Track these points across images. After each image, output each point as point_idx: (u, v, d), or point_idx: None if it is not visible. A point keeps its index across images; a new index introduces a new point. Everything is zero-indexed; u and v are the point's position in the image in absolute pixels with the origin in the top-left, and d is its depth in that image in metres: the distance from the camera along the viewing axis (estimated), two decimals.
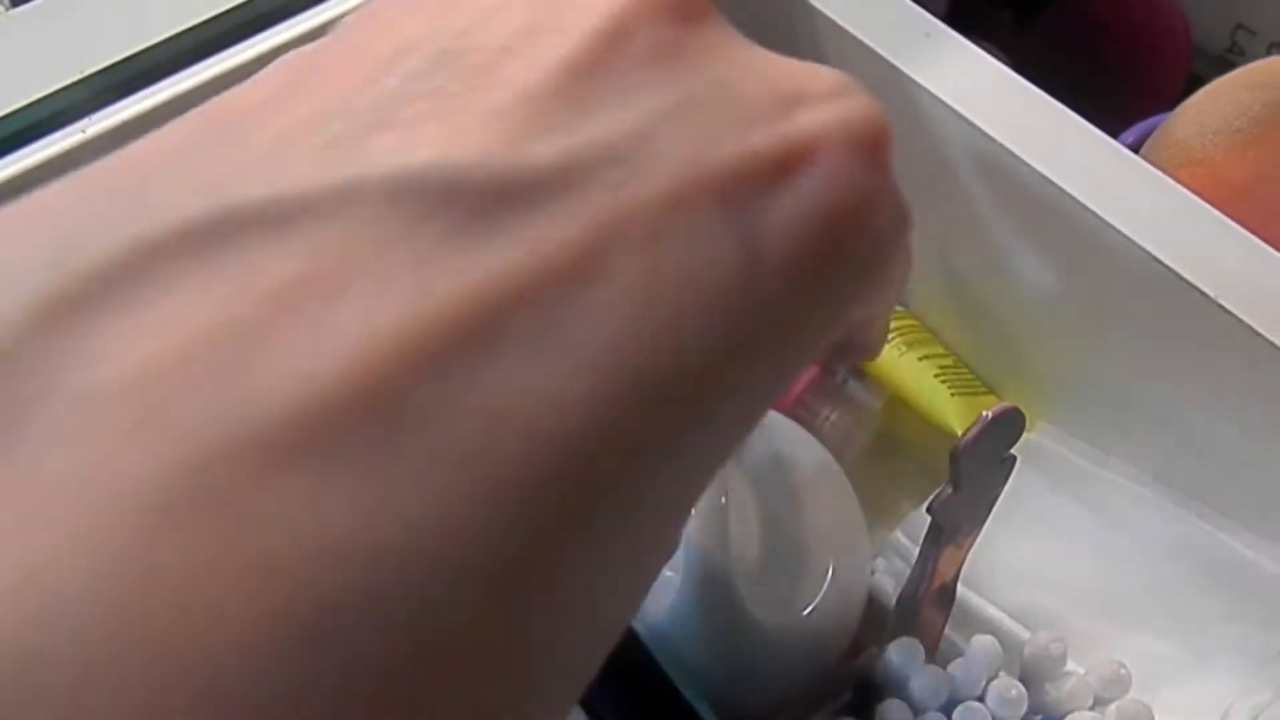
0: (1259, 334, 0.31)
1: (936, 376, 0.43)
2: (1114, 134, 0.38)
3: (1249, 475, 0.34)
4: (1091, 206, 0.34)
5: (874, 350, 0.22)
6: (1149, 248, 0.33)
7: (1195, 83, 0.41)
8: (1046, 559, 0.35)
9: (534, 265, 0.13)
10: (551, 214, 0.13)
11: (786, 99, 0.15)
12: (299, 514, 0.11)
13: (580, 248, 0.13)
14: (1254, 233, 0.35)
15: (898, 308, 0.46)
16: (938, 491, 0.30)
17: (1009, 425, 0.30)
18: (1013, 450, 0.30)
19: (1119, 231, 0.33)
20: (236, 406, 0.11)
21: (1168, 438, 0.36)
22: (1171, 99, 0.41)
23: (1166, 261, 0.32)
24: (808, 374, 0.46)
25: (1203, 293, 0.32)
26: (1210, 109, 0.37)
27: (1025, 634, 0.32)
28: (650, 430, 0.13)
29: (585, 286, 0.13)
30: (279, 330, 0.12)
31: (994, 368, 0.45)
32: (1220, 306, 0.31)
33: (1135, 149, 0.40)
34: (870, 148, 0.15)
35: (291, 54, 0.16)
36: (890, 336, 0.44)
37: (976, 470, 0.30)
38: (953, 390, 0.42)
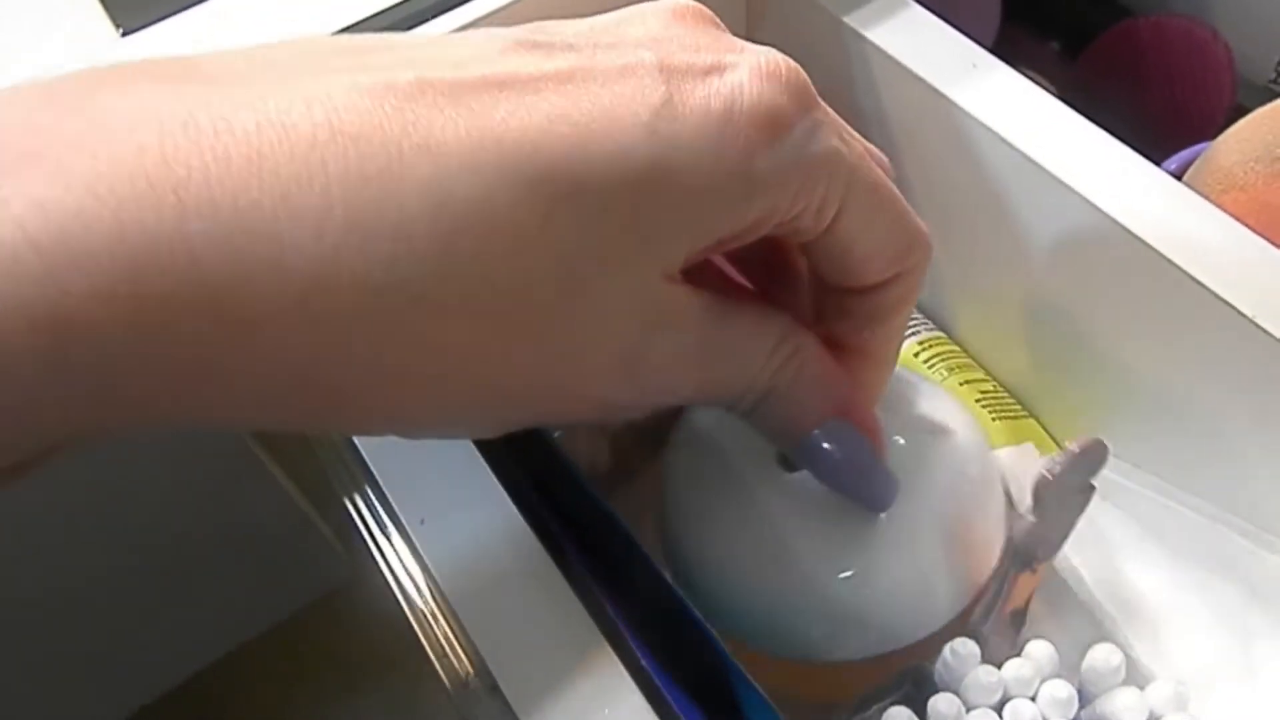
0: None
1: (978, 401, 0.43)
2: (1156, 163, 0.38)
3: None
4: (1136, 231, 0.34)
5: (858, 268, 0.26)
6: (1193, 272, 0.33)
7: (1239, 113, 0.41)
8: (1097, 574, 0.35)
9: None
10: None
11: (730, 47, 0.22)
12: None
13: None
14: None
15: (939, 333, 0.47)
16: (1019, 519, 0.30)
17: (1094, 456, 0.30)
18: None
19: (1164, 257, 0.34)
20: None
21: (1211, 457, 0.37)
22: (1215, 129, 0.41)
23: (1209, 285, 0.33)
24: None
25: (1243, 314, 0.32)
26: (1252, 136, 0.38)
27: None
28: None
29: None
30: None
31: (1037, 392, 0.45)
32: (1261, 329, 0.32)
33: (1178, 177, 0.40)
34: (771, 76, 0.21)
35: None
36: (932, 361, 0.45)
37: (1059, 501, 0.30)
38: (994, 415, 0.43)
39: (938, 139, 0.40)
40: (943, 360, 0.45)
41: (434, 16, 0.37)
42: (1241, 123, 0.39)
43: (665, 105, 0.20)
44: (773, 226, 0.23)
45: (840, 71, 0.43)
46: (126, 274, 0.16)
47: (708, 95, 0.21)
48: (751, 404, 0.25)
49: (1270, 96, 0.49)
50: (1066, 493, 0.30)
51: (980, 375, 0.45)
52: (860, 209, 0.24)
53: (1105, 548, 0.36)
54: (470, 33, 0.22)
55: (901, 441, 0.30)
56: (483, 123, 0.19)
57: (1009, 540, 0.32)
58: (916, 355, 0.45)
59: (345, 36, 0.21)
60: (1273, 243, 0.36)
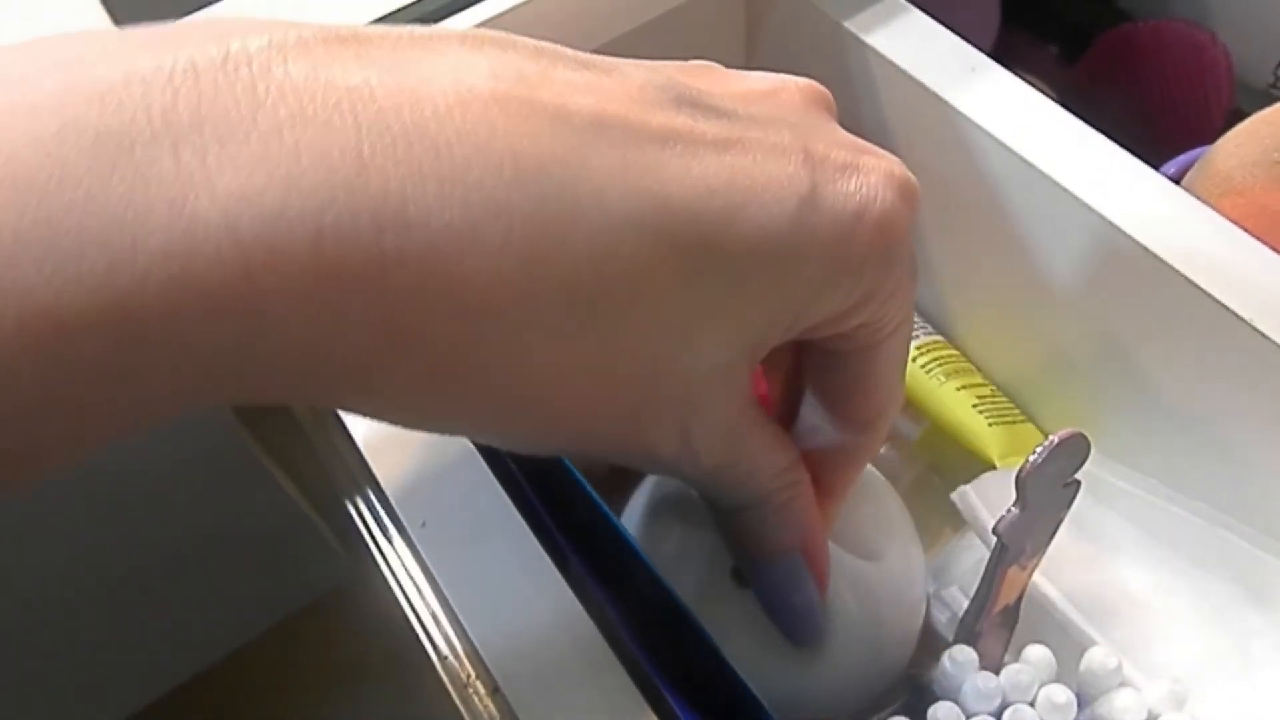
0: None
1: (974, 406, 0.43)
2: (1155, 167, 0.39)
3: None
4: (1134, 235, 0.34)
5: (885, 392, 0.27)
6: (1191, 276, 0.33)
7: (1237, 117, 0.42)
8: (1093, 574, 0.35)
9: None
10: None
11: (862, 148, 0.24)
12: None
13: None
14: None
15: (938, 337, 0.47)
16: (1004, 513, 0.30)
17: (1074, 450, 0.30)
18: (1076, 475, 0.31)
19: (1163, 261, 0.34)
20: None
21: (1210, 459, 0.37)
22: (1214, 133, 0.42)
23: (1207, 288, 0.33)
24: None
25: (1241, 318, 0.32)
26: (1250, 140, 0.38)
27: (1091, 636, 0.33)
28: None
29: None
30: None
31: (1035, 395, 0.45)
32: (1259, 332, 0.32)
33: (1176, 181, 0.40)
34: (900, 189, 0.23)
35: None
36: (930, 366, 0.45)
37: (1041, 493, 0.30)
38: (990, 420, 0.43)
39: (937, 143, 0.40)
40: (940, 365, 0.45)
41: (445, 17, 0.37)
42: (1240, 127, 0.40)
43: (810, 194, 0.22)
44: (846, 326, 0.24)
45: (840, 76, 0.43)
46: (319, 280, 0.17)
47: (846, 194, 0.22)
48: (732, 507, 0.27)
49: (1269, 100, 0.49)
50: (1049, 486, 0.30)
51: (978, 379, 0.45)
52: (902, 338, 0.26)
53: (1103, 549, 0.37)
54: (633, 65, 0.22)
55: (844, 565, 0.32)
56: (651, 180, 0.20)
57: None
58: (915, 360, 0.45)
59: (489, 34, 0.21)
60: (1272, 247, 0.36)
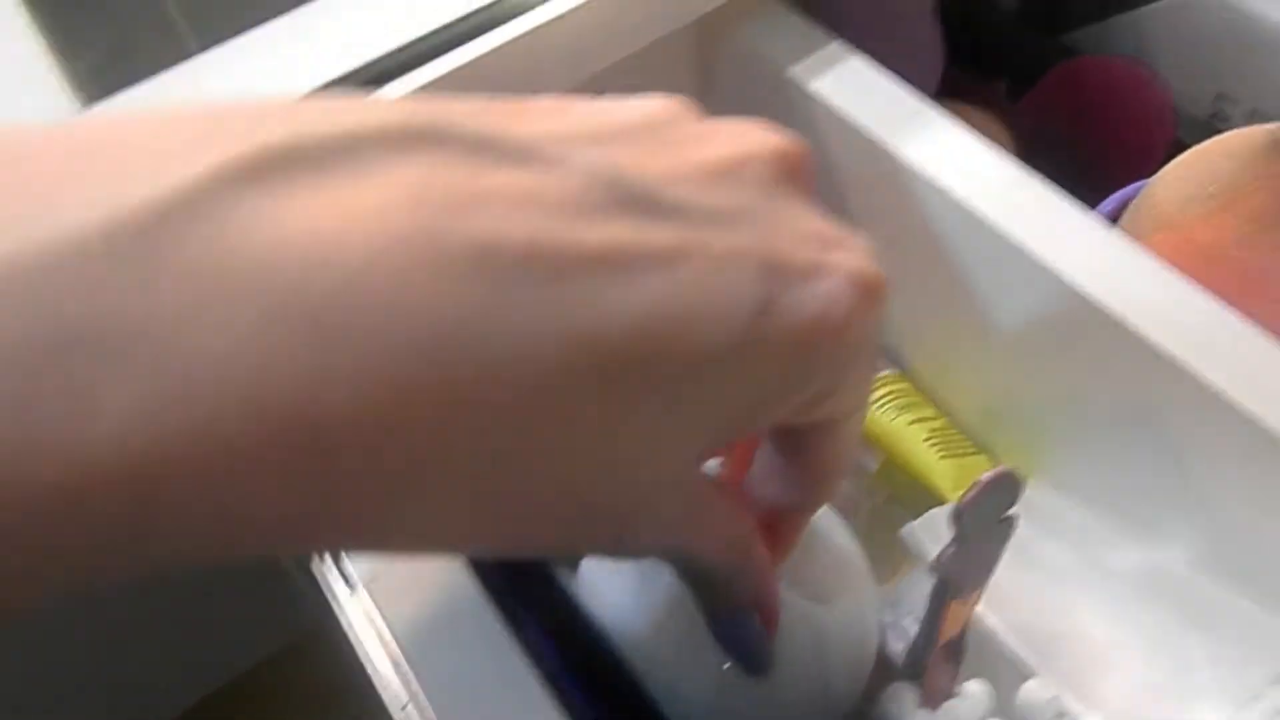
0: (1222, 395, 0.33)
1: (926, 440, 0.44)
2: (1102, 197, 0.40)
3: (1221, 524, 0.36)
4: (1070, 280, 0.36)
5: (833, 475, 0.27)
6: (1120, 315, 0.35)
7: (1179, 147, 0.43)
8: (1038, 605, 0.36)
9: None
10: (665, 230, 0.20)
11: (829, 241, 0.23)
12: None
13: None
14: (1222, 293, 0.38)
15: (893, 370, 0.48)
16: (942, 549, 0.31)
17: (1006, 487, 0.31)
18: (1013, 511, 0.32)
19: (1093, 302, 0.35)
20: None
21: (1150, 491, 0.38)
22: (1156, 166, 0.43)
23: (1136, 327, 0.34)
24: None
25: (1169, 355, 0.34)
26: (1186, 175, 0.39)
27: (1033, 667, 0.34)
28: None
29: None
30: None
31: (987, 428, 0.46)
32: (1190, 373, 0.33)
33: (1119, 212, 0.42)
34: (865, 289, 0.22)
35: None
36: (883, 401, 0.46)
37: (977, 529, 0.31)
38: (941, 454, 0.44)
39: (880, 188, 0.41)
40: (893, 400, 0.46)
41: (388, 81, 0.38)
42: (1175, 162, 0.41)
43: (764, 308, 0.20)
44: (802, 418, 0.24)
45: (788, 124, 0.44)
46: (222, 484, 0.16)
47: (805, 301, 0.21)
48: (687, 570, 0.27)
49: (1210, 130, 0.50)
50: (984, 522, 0.31)
51: (930, 413, 0.46)
52: (860, 417, 0.26)
53: (1048, 580, 0.38)
54: (586, 138, 0.21)
55: (796, 608, 0.32)
56: (584, 317, 0.19)
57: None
58: None
59: (423, 121, 0.19)
60: (1201, 279, 0.38)
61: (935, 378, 0.48)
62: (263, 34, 0.38)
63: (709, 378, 0.20)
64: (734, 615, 0.28)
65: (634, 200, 0.20)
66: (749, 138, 0.23)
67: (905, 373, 0.48)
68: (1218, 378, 0.33)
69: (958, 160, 0.39)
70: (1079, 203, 0.38)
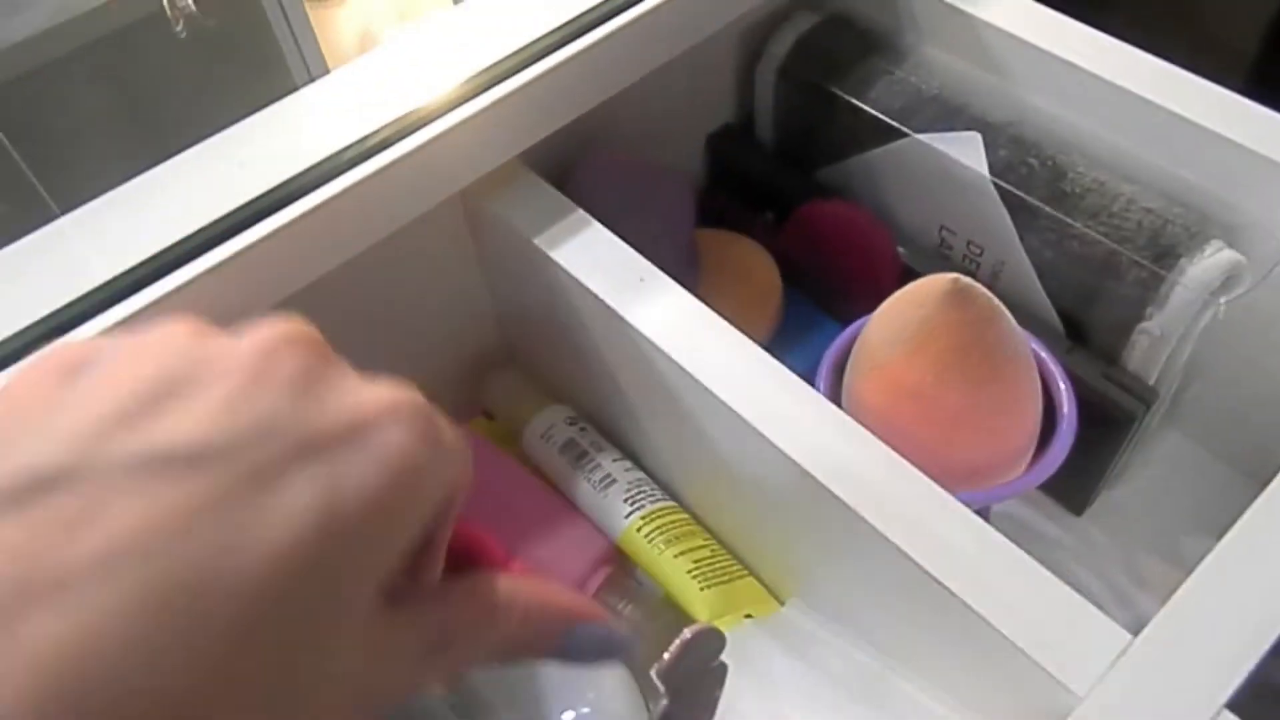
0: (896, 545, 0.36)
1: (689, 572, 0.47)
2: (849, 320, 0.44)
3: (919, 642, 0.40)
4: (757, 425, 0.39)
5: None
6: (821, 477, 0.38)
7: (910, 275, 0.46)
8: (778, 713, 0.39)
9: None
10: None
11: (356, 391, 0.22)
12: None
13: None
14: (921, 426, 0.42)
15: (667, 503, 0.51)
16: (656, 704, 0.34)
17: (707, 643, 0.34)
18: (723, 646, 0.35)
19: (799, 465, 0.38)
20: None
21: (873, 611, 0.41)
22: (889, 290, 0.45)
23: (818, 476, 0.38)
24: (603, 571, 0.50)
25: (863, 518, 0.37)
26: (888, 322, 0.43)
27: None
28: None
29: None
30: None
31: (752, 553, 0.50)
32: (882, 535, 0.37)
33: (848, 347, 0.45)
34: (409, 424, 0.21)
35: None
36: (652, 535, 0.49)
37: (686, 682, 0.34)
38: (703, 584, 0.47)
39: (613, 345, 0.45)
40: (661, 533, 0.49)
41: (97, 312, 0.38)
42: (881, 308, 0.44)
43: (330, 492, 0.20)
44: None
45: (540, 289, 0.47)
46: None
47: (365, 465, 0.20)
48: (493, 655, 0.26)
49: (940, 258, 0.55)
50: (690, 676, 0.33)
51: (699, 543, 0.49)
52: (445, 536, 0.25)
53: (782, 698, 0.41)
54: (119, 446, 0.19)
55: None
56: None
57: None
58: (639, 530, 0.49)
59: None
60: (911, 416, 0.42)
61: (705, 508, 0.51)
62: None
63: (296, 589, 0.19)
64: (569, 638, 0.26)
65: (165, 460, 0.19)
66: (263, 336, 0.22)
67: (682, 504, 0.52)
68: (891, 529, 0.37)
69: (676, 323, 0.42)
70: (784, 367, 0.41)
